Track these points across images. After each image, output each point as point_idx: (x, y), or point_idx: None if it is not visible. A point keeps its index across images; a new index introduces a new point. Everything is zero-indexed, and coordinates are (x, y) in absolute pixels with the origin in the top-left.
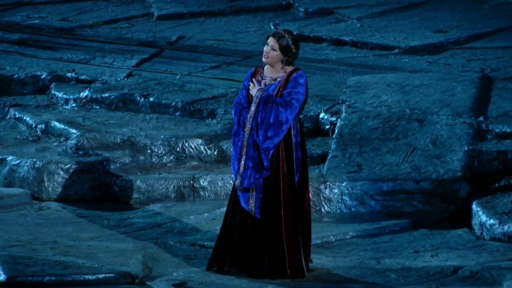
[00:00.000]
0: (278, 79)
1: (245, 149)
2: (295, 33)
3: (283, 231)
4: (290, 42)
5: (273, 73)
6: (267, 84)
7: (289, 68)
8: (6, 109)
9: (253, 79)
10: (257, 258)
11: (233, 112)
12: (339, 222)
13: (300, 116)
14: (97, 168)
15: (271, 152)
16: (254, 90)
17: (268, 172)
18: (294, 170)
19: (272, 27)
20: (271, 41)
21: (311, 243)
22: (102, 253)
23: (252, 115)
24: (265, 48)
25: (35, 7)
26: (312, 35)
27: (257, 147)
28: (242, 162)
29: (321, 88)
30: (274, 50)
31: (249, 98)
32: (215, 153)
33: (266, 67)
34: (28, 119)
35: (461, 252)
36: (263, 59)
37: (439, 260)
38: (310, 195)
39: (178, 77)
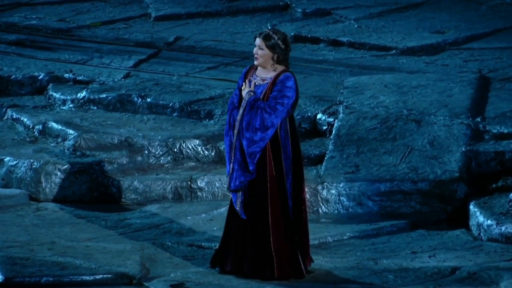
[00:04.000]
0: (266, 81)
1: (233, 151)
2: (292, 33)
3: (271, 234)
4: (276, 38)
5: (263, 73)
6: (256, 84)
7: (279, 68)
8: (4, 109)
9: (246, 79)
10: (246, 259)
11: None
12: (336, 223)
13: (298, 117)
14: (95, 169)
15: (257, 156)
16: (244, 91)
17: (253, 175)
18: (284, 172)
19: (269, 27)
20: (257, 41)
21: (309, 244)
22: (99, 254)
23: (240, 118)
24: (254, 50)
25: (32, 8)
26: (309, 36)
27: (242, 150)
28: (231, 164)
29: (319, 89)
30: (261, 49)
31: (240, 98)
32: (213, 153)
33: (259, 67)
34: (25, 119)
35: (458, 252)
36: (255, 62)
37: (437, 260)
38: (308, 196)
39: (175, 77)
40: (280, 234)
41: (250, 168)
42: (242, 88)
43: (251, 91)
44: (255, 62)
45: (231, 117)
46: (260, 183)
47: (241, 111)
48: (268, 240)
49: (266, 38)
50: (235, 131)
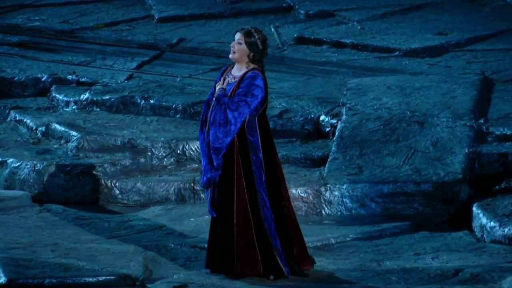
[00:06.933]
0: (236, 78)
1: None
2: (295, 35)
3: (235, 232)
4: (257, 37)
5: (237, 71)
6: (229, 82)
7: (252, 66)
8: (7, 111)
9: (222, 77)
10: (215, 255)
11: None
12: (339, 224)
13: (301, 119)
14: (98, 171)
15: (222, 152)
16: (217, 88)
17: (219, 172)
18: (252, 170)
19: (272, 29)
20: (238, 35)
21: (309, 245)
22: (102, 255)
23: (210, 114)
24: (232, 44)
25: (36, 9)
26: (312, 38)
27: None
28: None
29: (322, 91)
30: (240, 44)
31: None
32: None
33: (235, 65)
34: (28, 121)
35: (461, 254)
36: (230, 55)
37: (440, 262)
38: (311, 197)
39: (178, 79)
40: (246, 233)
41: (215, 164)
42: (216, 85)
43: (222, 88)
44: (230, 56)
45: (204, 114)
46: (227, 180)
47: (211, 107)
48: (232, 239)
49: (247, 34)
50: (207, 127)
